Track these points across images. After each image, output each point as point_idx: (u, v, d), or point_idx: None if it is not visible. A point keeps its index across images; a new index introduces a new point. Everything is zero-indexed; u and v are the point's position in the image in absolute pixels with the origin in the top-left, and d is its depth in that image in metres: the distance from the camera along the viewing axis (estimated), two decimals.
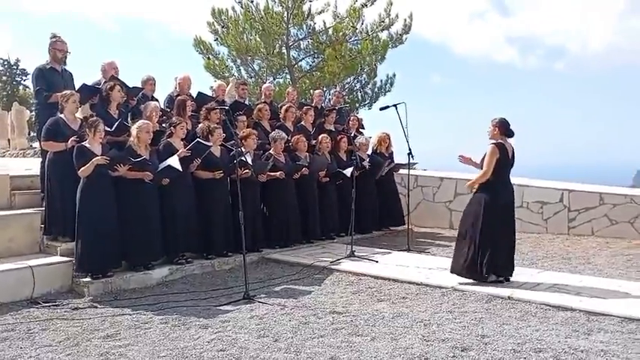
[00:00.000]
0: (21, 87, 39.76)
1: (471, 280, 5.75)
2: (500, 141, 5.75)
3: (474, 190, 5.90)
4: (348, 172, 8.38)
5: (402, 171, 9.62)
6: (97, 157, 5.77)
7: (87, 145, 5.88)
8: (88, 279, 5.82)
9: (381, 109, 8.29)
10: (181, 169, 6.34)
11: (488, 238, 5.68)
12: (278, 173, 7.67)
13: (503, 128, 5.75)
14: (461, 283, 5.70)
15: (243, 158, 6.59)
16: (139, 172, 6.09)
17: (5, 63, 40.20)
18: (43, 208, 6.54)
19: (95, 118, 6.11)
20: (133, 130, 6.24)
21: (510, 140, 5.83)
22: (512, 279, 5.79)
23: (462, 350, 4.01)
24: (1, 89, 39.61)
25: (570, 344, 4.07)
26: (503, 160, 5.72)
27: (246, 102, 9.20)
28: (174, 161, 6.28)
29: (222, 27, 18.41)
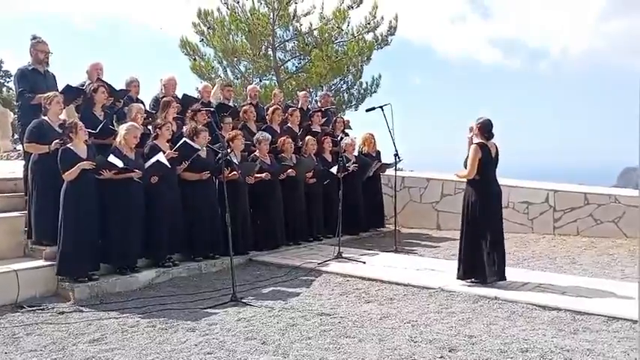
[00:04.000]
0: (4, 89, 39.26)
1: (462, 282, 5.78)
2: (482, 141, 5.80)
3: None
4: (334, 169, 8.39)
5: (388, 172, 9.65)
6: (83, 162, 5.71)
7: (71, 147, 5.82)
8: (72, 283, 5.75)
9: (367, 110, 8.32)
10: (169, 165, 6.31)
11: (473, 240, 5.73)
12: (264, 174, 7.64)
13: (484, 130, 5.83)
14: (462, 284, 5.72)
15: (229, 158, 6.56)
16: (128, 172, 6.04)
17: None
18: (26, 212, 6.45)
19: (72, 120, 6.06)
20: (121, 130, 6.19)
21: (495, 140, 5.88)
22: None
23: (449, 351, 4.03)
24: None
25: (556, 344, 4.10)
26: (486, 159, 5.78)
27: (232, 104, 9.16)
28: (161, 157, 6.26)
29: (208, 28, 18.34)
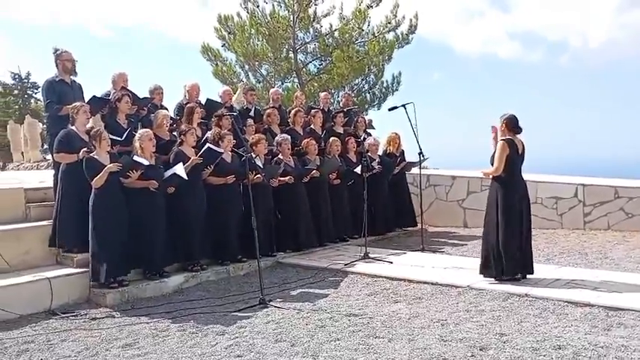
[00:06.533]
0: (32, 100, 40.11)
1: (490, 279, 5.72)
2: (509, 137, 5.74)
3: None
4: (358, 169, 8.36)
5: (413, 170, 9.59)
6: (110, 165, 5.80)
7: (95, 156, 5.92)
8: (104, 289, 5.84)
9: (390, 109, 8.29)
10: (187, 178, 6.34)
11: (502, 237, 5.66)
12: (287, 178, 7.66)
13: (511, 125, 5.75)
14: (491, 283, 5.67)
15: (253, 161, 6.59)
16: (144, 181, 6.11)
17: (16, 77, 40.57)
18: (53, 220, 6.54)
19: (97, 128, 6.16)
20: (136, 141, 6.24)
21: (520, 136, 5.82)
22: (529, 276, 5.75)
23: (480, 349, 3.99)
24: (13, 103, 39.97)
25: (590, 340, 4.03)
26: (514, 156, 5.71)
27: (256, 107, 9.22)
28: (179, 169, 6.30)
29: (229, 33, 18.50)
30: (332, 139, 8.76)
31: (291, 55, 18.59)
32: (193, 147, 6.80)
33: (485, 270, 5.78)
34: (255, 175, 6.94)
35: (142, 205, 6.13)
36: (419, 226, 8.90)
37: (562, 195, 9.16)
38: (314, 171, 8.06)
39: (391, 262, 6.94)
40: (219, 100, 8.57)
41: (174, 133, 7.19)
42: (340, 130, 9.43)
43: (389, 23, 17.96)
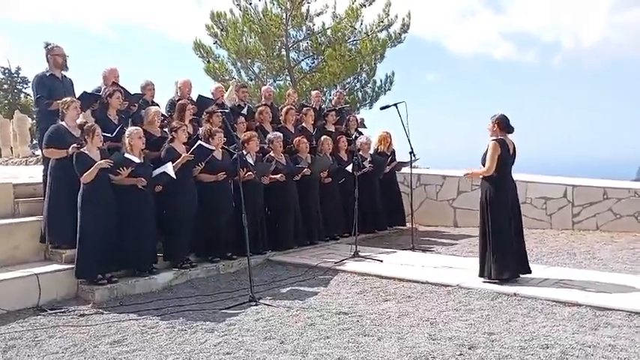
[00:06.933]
0: (22, 95, 39.80)
1: (485, 278, 5.73)
2: (500, 137, 5.75)
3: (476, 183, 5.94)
4: (349, 167, 8.37)
5: (404, 170, 9.61)
6: (101, 162, 5.77)
7: (85, 151, 5.88)
8: (92, 285, 5.81)
9: (382, 108, 8.29)
10: (175, 177, 6.32)
11: (494, 236, 5.67)
12: (278, 176, 7.65)
13: (503, 124, 5.75)
14: (485, 282, 5.69)
15: (244, 159, 6.57)
16: (133, 178, 6.07)
17: (6, 71, 40.23)
18: (43, 216, 6.50)
19: (91, 124, 6.12)
20: (125, 138, 6.21)
21: (511, 136, 5.83)
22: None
23: (468, 348, 4.01)
24: (3, 97, 39.66)
25: (577, 340, 4.06)
26: (505, 156, 5.72)
27: (248, 104, 9.20)
28: (169, 168, 6.27)
29: (222, 30, 18.45)
30: (323, 137, 8.76)
31: (284, 52, 18.57)
32: (184, 143, 6.78)
33: (484, 271, 5.78)
34: (246, 172, 6.92)
35: (130, 202, 6.09)
36: (409, 225, 8.93)
37: (551, 195, 9.21)
38: (305, 169, 8.05)
39: (381, 261, 6.96)
40: (210, 96, 8.54)
41: (166, 130, 7.16)
42: (332, 128, 9.44)
43: (381, 22, 18.00)
